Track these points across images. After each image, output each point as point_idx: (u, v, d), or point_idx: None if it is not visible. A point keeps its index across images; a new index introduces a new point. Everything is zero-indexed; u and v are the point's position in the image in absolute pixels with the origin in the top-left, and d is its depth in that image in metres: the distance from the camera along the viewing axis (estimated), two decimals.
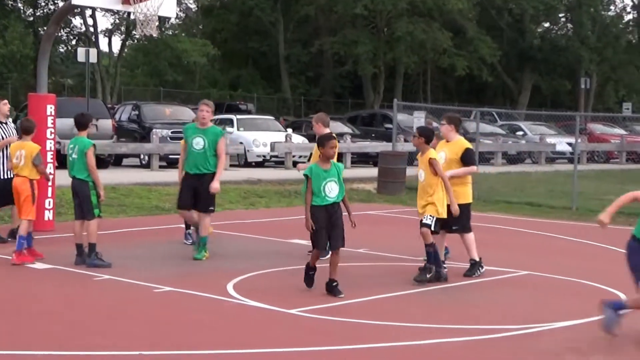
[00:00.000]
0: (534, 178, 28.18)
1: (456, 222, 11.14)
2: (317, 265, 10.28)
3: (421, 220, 10.84)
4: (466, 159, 11.54)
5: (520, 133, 39.86)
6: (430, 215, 10.75)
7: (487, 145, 33.33)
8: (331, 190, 9.84)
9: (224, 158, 12.28)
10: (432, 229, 10.75)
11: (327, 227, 9.85)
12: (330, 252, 10.09)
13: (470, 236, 11.60)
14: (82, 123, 11.99)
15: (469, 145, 11.73)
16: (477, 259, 11.58)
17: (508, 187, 24.07)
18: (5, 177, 13.07)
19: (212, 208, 12.26)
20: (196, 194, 12.16)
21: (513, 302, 10.11)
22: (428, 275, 10.79)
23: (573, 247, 14.68)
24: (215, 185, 12.07)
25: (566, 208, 20.05)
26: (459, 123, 11.99)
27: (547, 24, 68.88)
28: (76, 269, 11.23)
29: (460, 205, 11.03)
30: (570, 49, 61.77)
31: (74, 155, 11.70)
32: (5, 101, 13.79)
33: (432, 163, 10.77)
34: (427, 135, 10.98)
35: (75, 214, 11.83)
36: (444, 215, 10.85)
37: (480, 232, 15.78)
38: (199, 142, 12.10)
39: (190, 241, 13.29)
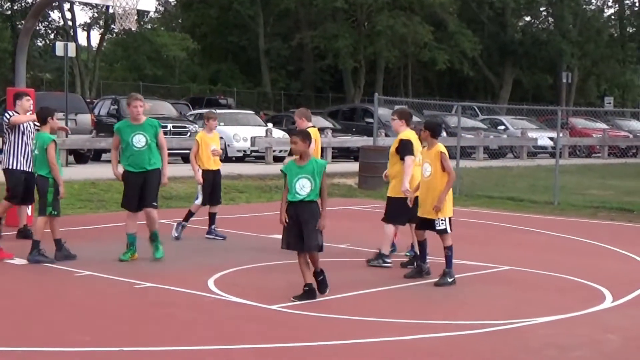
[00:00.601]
0: (516, 173, 28.29)
1: (386, 212, 11.79)
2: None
3: (435, 228, 10.71)
4: (398, 150, 11.66)
5: (502, 127, 39.99)
6: (442, 220, 10.66)
7: (469, 140, 33.42)
8: (302, 188, 9.45)
9: (166, 149, 12.09)
10: (450, 230, 10.72)
11: (296, 225, 9.52)
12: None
13: (390, 229, 11.81)
14: (41, 117, 11.78)
15: (404, 136, 11.72)
16: (386, 253, 11.84)
17: (490, 182, 24.16)
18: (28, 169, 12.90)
19: (155, 203, 12.05)
20: (142, 192, 11.88)
21: (495, 297, 10.15)
22: (449, 280, 10.61)
23: (555, 242, 14.74)
24: (165, 180, 12.11)
25: (548, 203, 20.14)
26: (410, 118, 12.03)
27: (528, 18, 69.11)
28: (56, 265, 11.20)
29: (396, 199, 11.48)
30: (552, 43, 61.97)
31: (36, 151, 11.58)
32: (29, 97, 13.51)
33: (442, 157, 10.65)
34: (433, 129, 10.78)
35: (39, 209, 11.74)
36: (451, 213, 10.83)
37: (462, 227, 15.83)
38: (140, 140, 11.72)
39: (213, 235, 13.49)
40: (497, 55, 64.09)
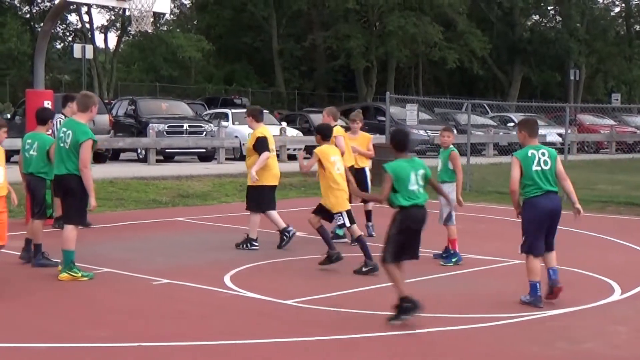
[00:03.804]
0: None
1: (248, 202, 12.54)
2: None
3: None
4: (255, 146, 12.48)
5: (511, 124, 39.84)
6: (339, 215, 11.21)
7: (479, 137, 33.35)
8: (419, 188, 8.56)
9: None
10: (349, 223, 11.25)
11: (418, 233, 8.63)
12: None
13: (256, 217, 12.46)
14: (42, 118, 11.53)
15: (260, 133, 12.52)
16: (253, 237, 12.46)
17: (500, 178, 24.01)
18: None
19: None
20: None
21: (505, 291, 10.11)
22: (364, 269, 10.89)
23: (564, 235, 14.63)
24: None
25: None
26: (259, 114, 12.87)
27: (536, 17, 68.84)
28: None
29: (253, 188, 12.39)
30: (560, 41, 61.71)
31: (32, 152, 11.21)
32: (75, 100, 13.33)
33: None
34: (323, 132, 11.57)
35: (32, 212, 11.40)
36: (346, 207, 11.26)
37: (473, 222, 15.83)
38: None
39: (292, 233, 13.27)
40: (506, 54, 63.87)
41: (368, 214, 14.00)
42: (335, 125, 13.49)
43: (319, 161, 11.27)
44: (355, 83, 59.83)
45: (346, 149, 13.28)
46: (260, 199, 12.55)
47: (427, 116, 34.48)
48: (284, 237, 12.73)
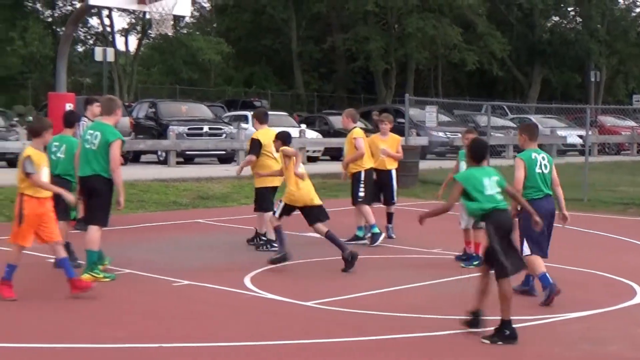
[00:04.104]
0: None
1: (257, 203, 12.64)
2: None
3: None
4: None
5: None
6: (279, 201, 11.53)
7: (498, 139, 33.20)
8: (497, 191, 8.25)
9: None
10: (276, 214, 11.44)
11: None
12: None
13: (268, 216, 12.35)
14: (70, 121, 11.60)
15: (254, 135, 12.80)
16: (273, 239, 12.30)
17: None
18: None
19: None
20: None
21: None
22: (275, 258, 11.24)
23: (585, 238, 14.60)
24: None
25: (577, 200, 19.92)
26: (263, 117, 13.11)
27: (556, 18, 68.54)
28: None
29: (259, 189, 12.51)
30: (580, 42, 61.46)
31: (59, 154, 11.20)
32: (98, 103, 13.29)
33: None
34: (282, 139, 11.59)
35: (58, 215, 11.00)
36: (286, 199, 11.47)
37: None
38: None
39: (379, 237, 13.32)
40: (526, 56, 63.67)
41: (389, 216, 13.96)
42: (355, 127, 13.49)
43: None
44: (374, 85, 59.79)
45: (365, 150, 13.26)
46: (262, 199, 12.66)
47: (447, 118, 34.38)
48: (259, 240, 12.85)
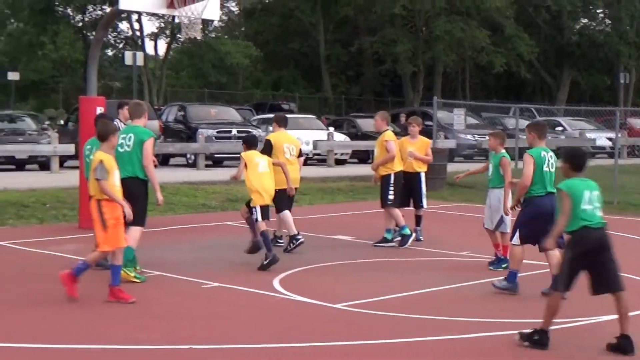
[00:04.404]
0: None
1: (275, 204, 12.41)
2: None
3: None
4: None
5: (560, 129, 39.44)
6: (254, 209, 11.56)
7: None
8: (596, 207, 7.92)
9: None
10: (258, 218, 11.53)
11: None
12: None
13: (286, 215, 12.67)
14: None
15: (268, 137, 13.06)
16: (294, 233, 12.58)
17: None
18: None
19: None
20: None
21: None
22: (265, 263, 11.24)
23: (615, 241, 14.41)
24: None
25: (607, 202, 19.64)
26: (282, 121, 13.28)
27: (585, 20, 68.07)
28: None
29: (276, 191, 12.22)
30: (609, 44, 60.98)
31: (92, 157, 11.36)
32: (127, 106, 13.53)
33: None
34: (248, 143, 12.04)
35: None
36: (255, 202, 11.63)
37: None
38: None
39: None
40: (554, 58, 63.28)
41: (418, 219, 13.93)
42: (387, 129, 13.49)
43: (245, 164, 11.72)
44: (401, 88, 59.69)
45: (396, 154, 13.26)
46: (277, 200, 12.62)
47: (475, 121, 34.26)
48: (276, 243, 12.88)
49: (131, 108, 11.12)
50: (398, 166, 13.36)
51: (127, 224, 10.50)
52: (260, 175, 11.61)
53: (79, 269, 9.31)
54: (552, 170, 9.76)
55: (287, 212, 12.73)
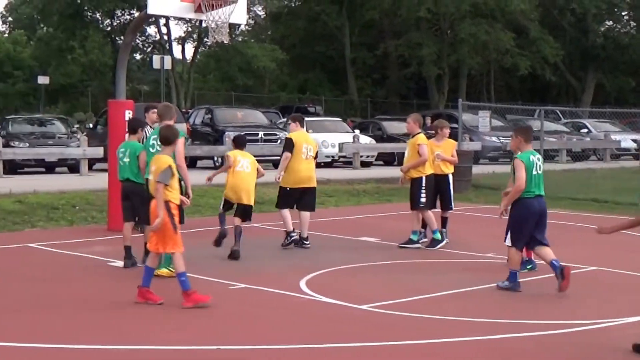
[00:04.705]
0: (599, 174, 27.68)
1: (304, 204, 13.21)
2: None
3: None
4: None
5: (585, 130, 39.22)
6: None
7: (552, 143, 32.86)
8: None
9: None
10: None
11: None
12: None
13: (285, 213, 13.19)
14: (132, 127, 12.08)
15: (289, 135, 13.57)
16: (290, 229, 13.10)
17: (574, 184, 23.69)
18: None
19: None
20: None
21: (581, 297, 9.94)
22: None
23: (639, 242, 14.39)
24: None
25: (632, 204, 19.64)
26: (299, 120, 13.73)
27: (610, 23, 67.63)
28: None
29: (281, 188, 13.21)
30: (634, 46, 60.57)
31: (125, 159, 11.62)
32: (155, 109, 13.60)
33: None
34: (237, 142, 12.86)
35: (126, 216, 11.62)
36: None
37: (547, 228, 15.57)
38: None
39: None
40: (579, 60, 62.90)
41: (444, 220, 13.90)
42: (420, 132, 13.46)
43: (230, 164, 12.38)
44: (427, 90, 59.56)
45: (428, 157, 13.26)
46: (280, 197, 13.29)
47: (500, 123, 34.11)
48: (288, 238, 13.26)
49: (161, 110, 11.30)
50: (429, 169, 13.37)
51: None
52: (236, 174, 12.25)
53: (146, 279, 9.33)
54: (540, 172, 10.07)
55: (286, 210, 13.27)
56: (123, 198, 11.72)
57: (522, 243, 10.20)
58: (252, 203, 12.41)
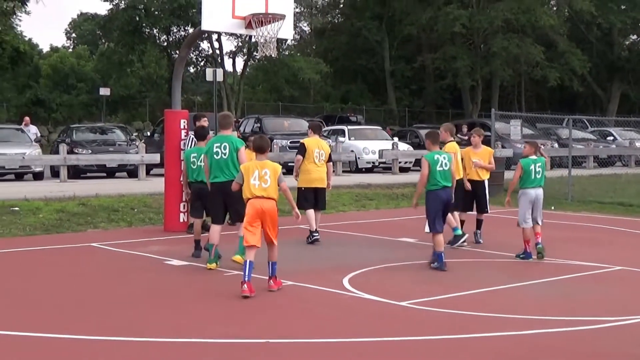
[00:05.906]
0: (625, 180, 27.32)
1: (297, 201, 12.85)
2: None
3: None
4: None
5: (611, 138, 38.76)
6: None
7: (579, 150, 32.52)
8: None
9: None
10: None
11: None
12: None
13: (309, 213, 13.57)
14: (201, 135, 12.61)
15: (303, 140, 13.94)
16: (312, 229, 13.50)
17: (600, 189, 23.41)
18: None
19: None
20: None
21: (609, 295, 9.80)
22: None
23: None
24: None
25: None
26: (316, 129, 14.08)
27: (634, 37, 66.84)
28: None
29: (299, 189, 13.60)
30: None
31: (199, 163, 12.12)
32: (205, 118, 13.99)
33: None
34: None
35: (197, 214, 12.20)
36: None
37: (575, 230, 15.43)
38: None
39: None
40: (605, 72, 62.24)
41: (479, 223, 13.80)
42: (452, 141, 13.36)
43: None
44: (461, 100, 59.28)
45: (455, 164, 13.12)
46: (298, 199, 13.37)
47: (530, 131, 33.80)
48: (311, 237, 13.56)
49: (221, 119, 11.54)
50: (456, 175, 13.26)
51: (235, 220, 11.45)
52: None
53: (247, 274, 9.49)
54: (447, 168, 11.33)
55: (310, 211, 13.64)
56: (195, 198, 12.19)
57: (440, 226, 11.26)
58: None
